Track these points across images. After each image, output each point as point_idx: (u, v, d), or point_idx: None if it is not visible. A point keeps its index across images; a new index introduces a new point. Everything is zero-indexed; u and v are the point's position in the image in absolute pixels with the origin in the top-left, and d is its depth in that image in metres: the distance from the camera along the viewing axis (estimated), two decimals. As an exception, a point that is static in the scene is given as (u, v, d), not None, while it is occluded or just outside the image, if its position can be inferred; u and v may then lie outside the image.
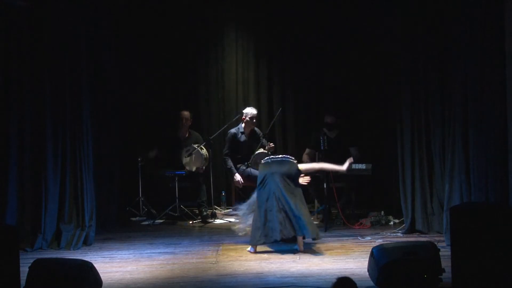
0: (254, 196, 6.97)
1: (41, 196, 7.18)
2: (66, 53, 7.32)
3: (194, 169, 8.74)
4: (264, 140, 8.75)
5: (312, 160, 8.54)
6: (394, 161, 7.77)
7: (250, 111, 8.85)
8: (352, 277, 4.37)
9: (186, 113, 9.08)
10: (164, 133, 9.23)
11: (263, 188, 6.77)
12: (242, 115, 8.86)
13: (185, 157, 8.75)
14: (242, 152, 8.79)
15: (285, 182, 6.74)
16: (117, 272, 6.14)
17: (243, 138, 8.87)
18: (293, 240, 6.74)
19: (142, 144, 9.32)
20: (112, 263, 6.50)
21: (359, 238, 7.30)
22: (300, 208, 6.66)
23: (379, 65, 8.74)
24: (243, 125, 8.90)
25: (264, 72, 9.89)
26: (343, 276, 4.31)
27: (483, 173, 6.18)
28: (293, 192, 6.74)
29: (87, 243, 7.33)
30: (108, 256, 6.84)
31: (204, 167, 8.84)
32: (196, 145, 8.84)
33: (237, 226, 7.21)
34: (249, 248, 6.80)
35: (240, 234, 7.08)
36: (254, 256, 6.64)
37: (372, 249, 5.41)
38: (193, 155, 8.71)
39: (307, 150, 8.81)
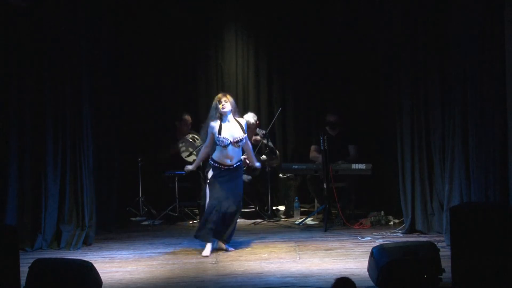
0: None
1: (41, 196, 7.19)
2: (66, 52, 7.31)
3: (191, 159, 8.70)
4: (265, 140, 8.75)
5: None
6: (394, 161, 7.76)
7: (247, 118, 8.80)
8: (352, 277, 4.38)
9: (188, 118, 9.09)
10: (163, 135, 9.26)
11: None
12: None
13: (181, 146, 8.80)
14: None
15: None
16: (117, 272, 6.14)
17: None
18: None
19: (142, 144, 9.35)
20: (112, 263, 6.50)
21: (359, 238, 7.30)
22: None
23: (379, 64, 8.74)
24: None
25: (264, 72, 9.88)
26: (342, 276, 4.31)
27: (483, 173, 6.18)
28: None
29: (87, 243, 7.33)
30: (108, 256, 6.84)
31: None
32: (190, 136, 8.87)
33: None
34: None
35: None
36: (254, 256, 6.64)
37: (372, 249, 5.41)
38: (187, 144, 8.74)
39: (313, 147, 8.82)
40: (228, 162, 6.76)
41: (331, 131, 8.54)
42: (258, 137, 8.79)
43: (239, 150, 6.83)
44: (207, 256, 6.63)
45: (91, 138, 7.56)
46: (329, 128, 8.54)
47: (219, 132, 6.69)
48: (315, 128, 9.09)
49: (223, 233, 6.80)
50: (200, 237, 6.80)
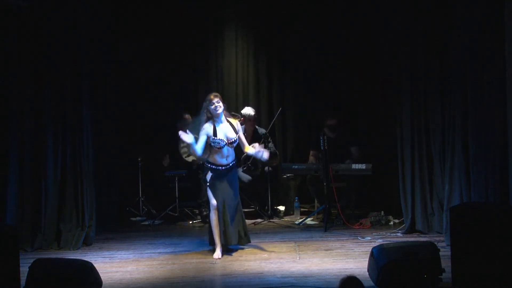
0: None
1: (41, 196, 7.19)
2: (66, 53, 7.32)
3: (190, 159, 8.73)
4: (264, 139, 8.75)
5: (318, 160, 8.52)
6: (394, 161, 7.76)
7: (246, 111, 8.87)
8: (352, 277, 4.37)
9: (189, 117, 9.10)
10: (165, 135, 9.26)
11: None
12: (241, 117, 8.89)
13: (182, 147, 8.78)
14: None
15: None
16: (117, 272, 6.15)
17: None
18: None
19: (142, 144, 9.35)
20: (112, 263, 6.51)
21: (359, 238, 7.30)
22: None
23: (379, 65, 8.74)
24: (243, 126, 8.92)
25: (264, 72, 9.87)
26: (349, 275, 4.29)
27: (483, 173, 6.18)
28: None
29: (87, 243, 7.33)
30: (108, 256, 6.85)
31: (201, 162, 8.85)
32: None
33: None
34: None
35: None
36: (254, 256, 6.64)
37: (372, 249, 5.41)
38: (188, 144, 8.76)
39: (311, 152, 8.83)
40: (224, 161, 6.72)
41: (330, 133, 8.53)
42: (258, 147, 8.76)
43: (233, 149, 6.82)
44: (219, 259, 6.56)
45: (91, 138, 7.56)
46: (328, 131, 8.53)
47: (214, 134, 6.67)
48: (315, 129, 9.08)
49: (241, 234, 6.84)
50: (212, 243, 6.78)
